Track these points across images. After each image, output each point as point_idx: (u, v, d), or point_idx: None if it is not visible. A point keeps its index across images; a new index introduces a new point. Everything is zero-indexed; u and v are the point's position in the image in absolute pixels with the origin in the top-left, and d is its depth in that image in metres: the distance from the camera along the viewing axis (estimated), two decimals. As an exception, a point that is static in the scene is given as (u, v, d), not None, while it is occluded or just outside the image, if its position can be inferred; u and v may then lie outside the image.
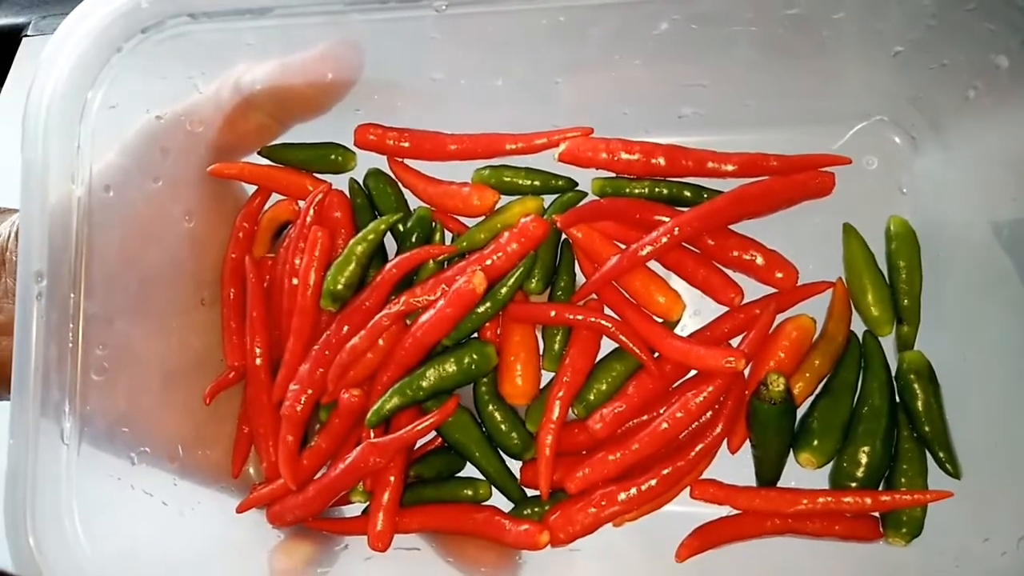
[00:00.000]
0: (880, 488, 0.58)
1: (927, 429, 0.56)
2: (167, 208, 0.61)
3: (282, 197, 0.67)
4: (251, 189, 0.67)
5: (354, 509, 0.65)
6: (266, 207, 0.67)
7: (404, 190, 0.67)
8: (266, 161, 0.67)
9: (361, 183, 0.67)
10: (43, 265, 0.52)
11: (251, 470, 0.66)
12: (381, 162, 0.67)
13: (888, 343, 0.61)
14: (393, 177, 0.66)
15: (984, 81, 0.51)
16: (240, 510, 0.63)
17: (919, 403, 0.57)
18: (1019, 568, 0.49)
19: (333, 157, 0.66)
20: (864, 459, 0.57)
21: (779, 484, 0.60)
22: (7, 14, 1.17)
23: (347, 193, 0.66)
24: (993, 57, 0.49)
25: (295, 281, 0.62)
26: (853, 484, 0.57)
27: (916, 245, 0.60)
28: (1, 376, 0.58)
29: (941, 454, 0.56)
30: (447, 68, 0.60)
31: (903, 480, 0.57)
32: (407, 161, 0.66)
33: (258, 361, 0.63)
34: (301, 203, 0.66)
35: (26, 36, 1.12)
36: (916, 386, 0.57)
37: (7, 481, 0.51)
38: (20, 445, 0.51)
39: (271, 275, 0.65)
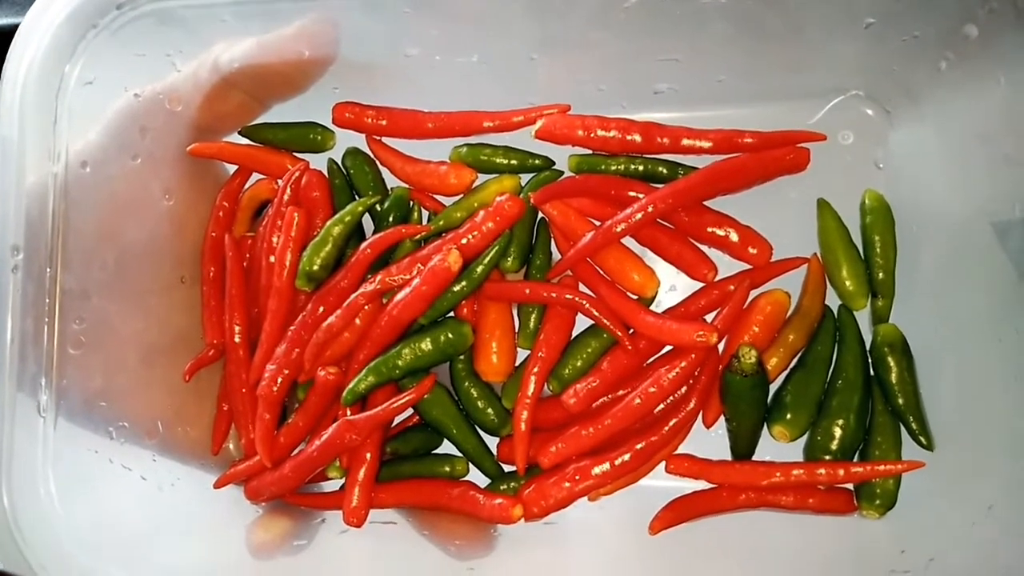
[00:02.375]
0: (854, 460, 0.57)
1: (900, 402, 0.56)
2: (146, 186, 0.61)
3: (262, 176, 0.67)
4: (231, 168, 0.67)
5: (332, 485, 0.64)
6: (246, 186, 0.67)
7: (382, 168, 0.66)
8: (246, 140, 0.66)
9: (339, 162, 0.66)
10: (19, 239, 0.52)
11: (231, 447, 0.66)
12: (360, 141, 0.67)
13: (863, 317, 0.60)
14: (371, 156, 0.66)
15: (955, 52, 0.51)
16: (217, 486, 0.63)
17: (893, 376, 0.56)
18: (989, 537, 0.48)
19: (312, 136, 0.66)
20: (838, 432, 0.57)
21: (754, 458, 0.59)
22: (7, 14, 1.12)
23: (325, 172, 0.65)
24: (963, 27, 0.49)
25: (272, 259, 0.62)
26: (827, 457, 0.57)
27: (891, 219, 0.59)
28: None
29: (914, 426, 0.55)
30: (422, 45, 0.60)
31: (877, 452, 0.57)
32: (385, 139, 0.66)
33: (237, 339, 0.63)
34: (280, 182, 0.65)
35: None
36: (890, 359, 0.57)
37: None
38: None
39: (251, 254, 0.65)
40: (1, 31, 1.08)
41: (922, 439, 0.55)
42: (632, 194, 0.60)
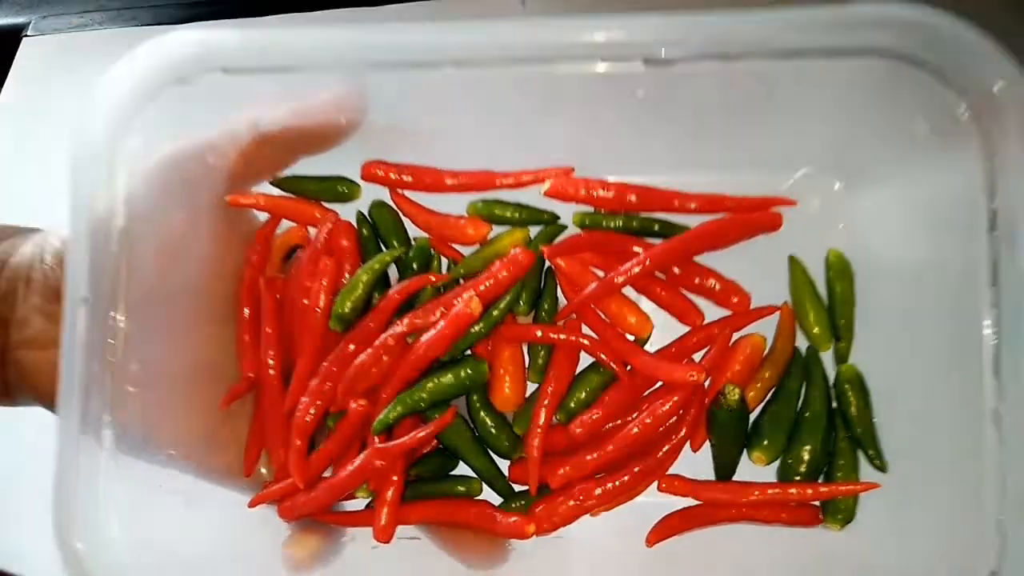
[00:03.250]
0: (819, 481, 0.65)
1: (859, 431, 0.63)
2: (189, 233, 0.65)
3: (292, 224, 0.72)
4: (263, 215, 0.72)
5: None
6: (277, 232, 0.72)
7: (405, 220, 0.71)
8: (278, 191, 0.71)
9: (367, 213, 0.71)
10: (88, 291, 0.56)
11: (263, 470, 0.71)
12: (385, 193, 0.72)
13: (827, 357, 0.67)
14: (395, 208, 0.71)
15: (905, 140, 0.59)
16: (252, 505, 0.67)
17: (852, 409, 0.64)
18: (934, 545, 0.56)
19: (340, 188, 0.71)
20: (806, 456, 0.64)
21: (734, 478, 0.66)
22: (7, 14, 1.17)
23: (354, 223, 0.71)
24: (912, 121, 0.57)
25: (306, 302, 0.67)
26: (797, 477, 0.64)
27: (850, 274, 0.67)
28: (31, 384, 0.61)
29: (870, 452, 0.63)
30: (446, 113, 0.65)
31: (839, 474, 0.64)
32: (408, 193, 0.71)
33: (271, 372, 0.68)
34: (311, 229, 0.71)
35: (26, 36, 1.13)
36: (850, 394, 0.64)
37: (56, 480, 0.55)
38: (67, 450, 0.55)
39: (282, 294, 0.70)
40: (1, 31, 1.13)
41: (877, 463, 0.63)
42: (632, 249, 0.66)
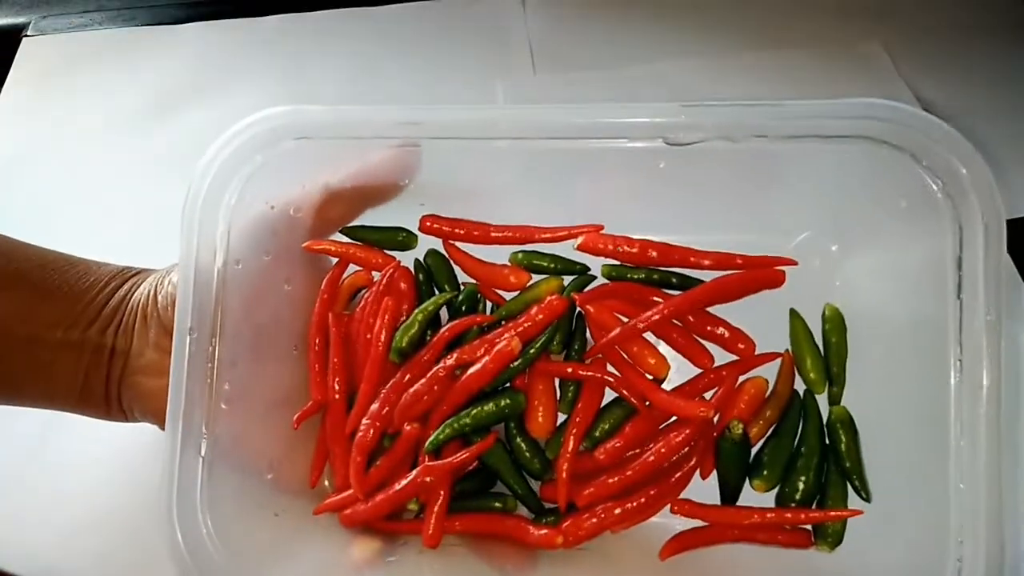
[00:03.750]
0: (812, 507, 0.70)
1: (848, 465, 0.69)
2: (274, 276, 0.74)
3: (357, 268, 0.81)
4: (333, 260, 0.80)
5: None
6: (345, 275, 0.81)
7: (455, 267, 0.80)
8: (346, 239, 0.80)
9: (423, 260, 0.80)
10: (194, 322, 0.66)
11: (326, 482, 0.79)
12: (438, 244, 0.80)
13: (822, 400, 0.73)
14: (447, 256, 0.80)
15: (889, 212, 0.66)
16: (317, 512, 0.75)
17: (843, 445, 0.70)
18: (902, 565, 0.63)
19: (400, 238, 0.80)
20: (801, 486, 0.69)
21: (738, 503, 0.72)
22: (7, 14, 1.18)
23: (411, 268, 0.80)
24: (898, 199, 0.64)
25: (369, 336, 0.76)
26: (792, 504, 0.69)
27: (844, 326, 0.73)
28: (142, 406, 0.72)
29: (857, 483, 0.69)
30: (494, 176, 0.74)
31: (829, 502, 0.69)
32: (459, 244, 0.80)
33: (337, 396, 0.76)
34: (375, 273, 0.80)
35: (26, 36, 1.15)
36: (841, 432, 0.70)
37: (163, 482, 0.64)
38: (172, 456, 0.64)
39: (348, 329, 0.78)
40: (1, 31, 1.15)
41: (863, 493, 0.69)
42: (652, 299, 0.74)
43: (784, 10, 1.08)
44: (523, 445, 0.76)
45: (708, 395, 0.75)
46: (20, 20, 1.19)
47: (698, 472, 0.74)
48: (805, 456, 0.71)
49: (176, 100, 1.15)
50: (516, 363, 0.74)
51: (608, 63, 1.08)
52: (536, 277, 0.79)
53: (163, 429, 0.67)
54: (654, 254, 0.76)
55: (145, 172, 1.09)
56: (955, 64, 1.00)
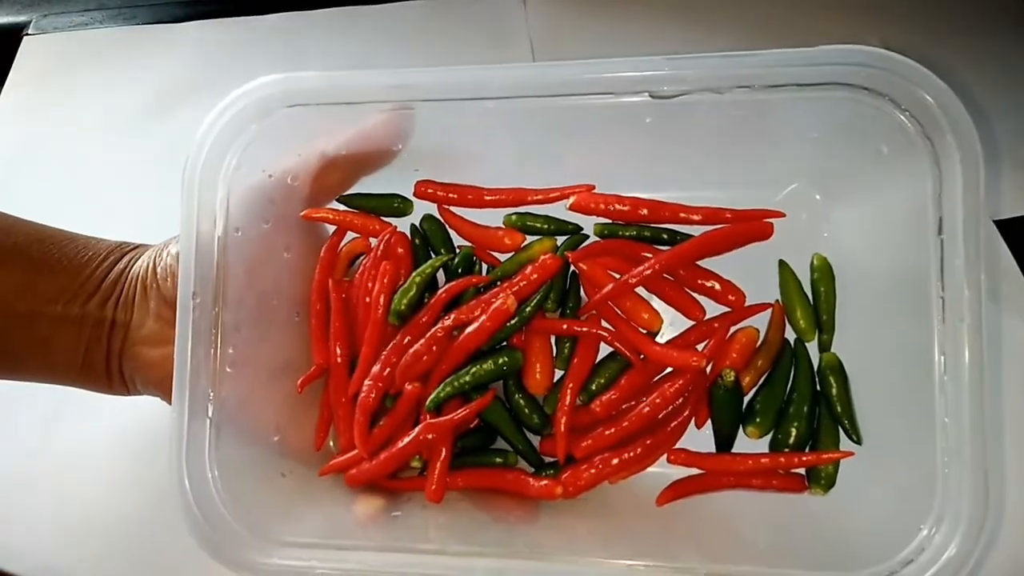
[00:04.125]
0: (806, 451, 0.72)
1: (838, 409, 0.71)
2: (273, 244, 0.75)
3: (355, 235, 0.82)
4: (332, 228, 0.82)
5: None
6: (344, 242, 0.82)
7: (451, 231, 0.81)
8: (344, 207, 0.81)
9: (419, 225, 0.81)
10: (197, 287, 0.67)
11: (331, 444, 0.81)
12: (433, 208, 0.81)
13: (812, 348, 0.75)
14: (443, 221, 0.81)
15: (871, 158, 0.67)
16: (322, 473, 0.76)
17: (833, 391, 0.71)
18: (898, 507, 0.63)
19: (396, 204, 0.81)
20: (793, 431, 0.71)
21: (732, 451, 0.73)
22: (7, 13, 1.17)
23: (407, 234, 0.81)
24: (879, 145, 0.65)
25: (368, 300, 0.77)
26: (786, 449, 0.71)
27: (832, 275, 0.74)
28: (144, 376, 0.73)
29: (848, 427, 0.70)
30: (486, 139, 0.76)
31: (822, 446, 0.71)
32: (453, 208, 0.81)
33: (339, 360, 0.78)
34: (372, 240, 0.81)
35: (26, 35, 1.15)
36: (831, 378, 0.71)
37: (172, 443, 0.65)
38: (180, 418, 0.66)
39: (348, 294, 0.80)
40: (1, 30, 1.15)
41: (853, 436, 0.70)
42: (644, 255, 0.75)
43: (785, 6, 1.08)
44: (521, 401, 0.78)
45: (700, 346, 0.77)
46: (21, 19, 1.19)
47: (693, 421, 0.75)
48: (797, 402, 0.73)
49: (176, 99, 1.14)
50: (512, 321, 0.75)
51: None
52: (530, 238, 0.80)
53: (166, 400, 0.69)
54: (645, 211, 0.77)
55: (145, 172, 1.08)
56: (955, 62, 1.00)
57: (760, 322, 0.76)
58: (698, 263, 0.76)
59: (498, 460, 0.78)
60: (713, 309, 0.77)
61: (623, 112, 0.68)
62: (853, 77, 0.63)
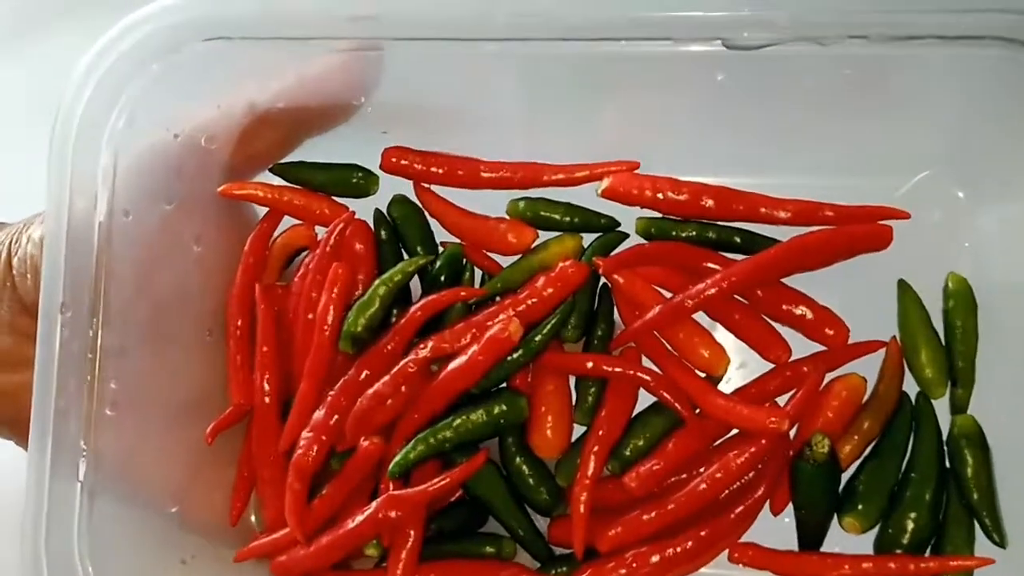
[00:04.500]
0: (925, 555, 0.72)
1: (975, 497, 0.71)
2: (178, 232, 0.76)
3: (295, 221, 0.82)
4: (262, 211, 0.82)
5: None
6: (278, 231, 0.82)
7: (432, 220, 0.81)
8: (279, 180, 0.81)
9: (385, 211, 0.81)
10: (68, 294, 0.67)
11: (252, 518, 0.81)
12: (407, 187, 0.81)
13: (941, 406, 0.74)
14: (420, 206, 0.81)
15: None
16: (238, 559, 0.77)
17: (969, 470, 0.71)
18: None
19: (354, 179, 0.81)
20: (910, 525, 0.71)
21: (822, 549, 0.73)
22: None
23: (370, 222, 0.81)
24: None
25: (312, 316, 0.77)
26: (898, 551, 0.71)
27: (974, 304, 0.74)
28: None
29: (988, 522, 0.70)
30: (485, 93, 0.76)
31: (949, 547, 0.71)
32: (436, 188, 0.80)
33: (267, 400, 0.78)
34: (319, 229, 0.81)
35: None
36: (967, 452, 0.72)
37: (27, 512, 0.66)
38: (38, 478, 0.66)
39: (281, 306, 0.80)
40: None
41: (995, 536, 0.70)
42: (708, 265, 0.75)
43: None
44: (524, 468, 0.78)
45: (783, 400, 0.77)
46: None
47: (767, 505, 0.75)
48: (916, 483, 0.73)
49: (44, 14, 1.15)
50: (516, 355, 0.75)
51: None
52: (544, 235, 0.80)
53: (21, 445, 0.69)
54: (710, 203, 0.77)
55: (4, 109, 1.10)
56: None
57: (869, 369, 0.77)
58: (783, 281, 0.77)
59: (489, 550, 0.78)
60: (802, 347, 0.77)
61: (684, 65, 0.69)
62: (1013, 29, 0.63)
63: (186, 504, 0.78)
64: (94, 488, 0.69)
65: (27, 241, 0.74)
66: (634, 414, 0.78)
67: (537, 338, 0.75)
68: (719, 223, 0.78)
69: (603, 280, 0.79)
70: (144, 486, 0.75)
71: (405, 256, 0.82)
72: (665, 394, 0.75)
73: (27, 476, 0.67)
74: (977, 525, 0.73)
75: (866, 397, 0.77)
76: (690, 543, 0.72)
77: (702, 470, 0.74)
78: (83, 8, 1.13)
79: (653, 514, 0.73)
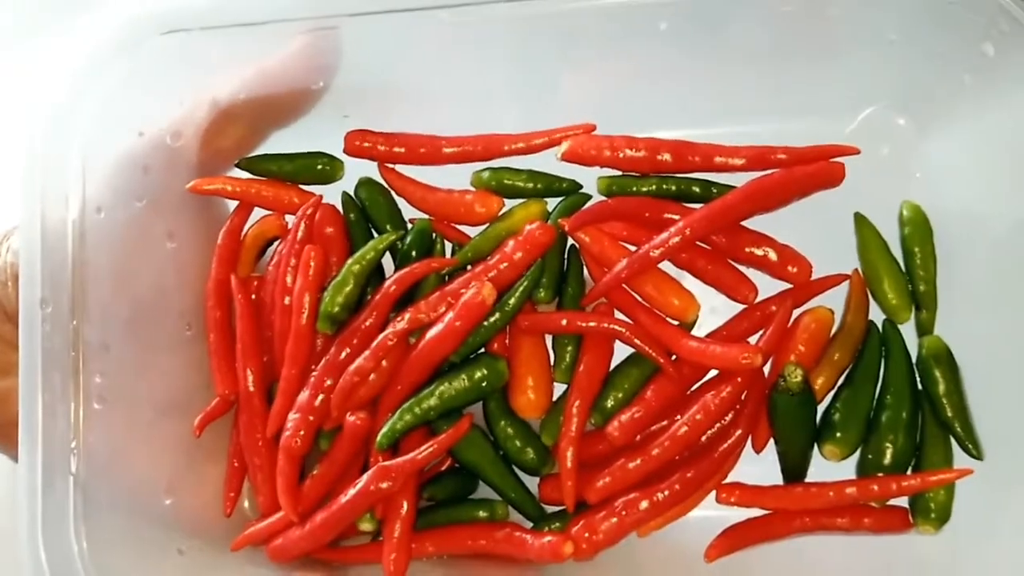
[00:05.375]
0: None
1: (948, 413, 0.72)
2: (150, 229, 0.76)
3: (265, 212, 0.83)
4: (232, 204, 0.82)
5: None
6: (249, 223, 0.83)
7: (399, 199, 0.82)
8: (246, 174, 0.82)
9: (353, 194, 0.82)
10: (47, 290, 0.68)
11: (246, 504, 0.82)
12: (370, 169, 0.82)
13: (908, 330, 0.75)
14: (386, 185, 0.82)
15: (975, 68, 0.68)
16: (235, 547, 0.77)
17: (940, 388, 0.72)
18: None
19: (320, 166, 0.82)
20: (889, 447, 0.72)
21: (806, 480, 0.74)
22: None
23: (339, 206, 0.82)
24: (982, 45, 0.66)
25: (288, 302, 0.78)
26: (880, 473, 0.72)
27: (929, 229, 0.76)
28: None
29: (963, 436, 0.71)
30: (440, 68, 0.77)
31: (928, 465, 0.72)
32: (400, 167, 0.82)
33: (251, 388, 0.79)
34: (289, 217, 0.82)
35: None
36: (936, 371, 0.73)
37: (22, 512, 0.65)
38: (31, 476, 0.66)
39: (259, 295, 0.81)
40: None
41: (971, 449, 0.71)
42: (668, 216, 0.76)
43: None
44: (509, 430, 0.78)
45: (754, 338, 0.78)
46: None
47: (749, 442, 0.76)
48: (891, 406, 0.75)
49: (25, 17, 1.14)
50: (492, 319, 0.76)
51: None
52: (510, 203, 0.81)
53: (9, 455, 0.70)
54: (667, 157, 0.78)
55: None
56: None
57: (834, 302, 0.78)
58: (744, 224, 0.78)
59: (482, 514, 0.78)
60: (768, 287, 0.78)
61: (631, 18, 0.70)
62: (943, -48, 0.65)
63: (180, 495, 0.78)
64: (87, 484, 0.68)
65: (7, 251, 0.74)
66: (612, 368, 0.79)
67: (511, 301, 0.76)
68: (677, 175, 0.79)
69: (571, 241, 0.80)
70: (137, 479, 0.75)
71: (375, 235, 0.83)
72: (639, 342, 0.76)
73: (19, 475, 0.67)
74: (954, 441, 0.74)
75: (834, 330, 0.78)
76: (677, 486, 0.73)
77: (682, 415, 0.75)
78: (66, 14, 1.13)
79: (638, 461, 0.74)
